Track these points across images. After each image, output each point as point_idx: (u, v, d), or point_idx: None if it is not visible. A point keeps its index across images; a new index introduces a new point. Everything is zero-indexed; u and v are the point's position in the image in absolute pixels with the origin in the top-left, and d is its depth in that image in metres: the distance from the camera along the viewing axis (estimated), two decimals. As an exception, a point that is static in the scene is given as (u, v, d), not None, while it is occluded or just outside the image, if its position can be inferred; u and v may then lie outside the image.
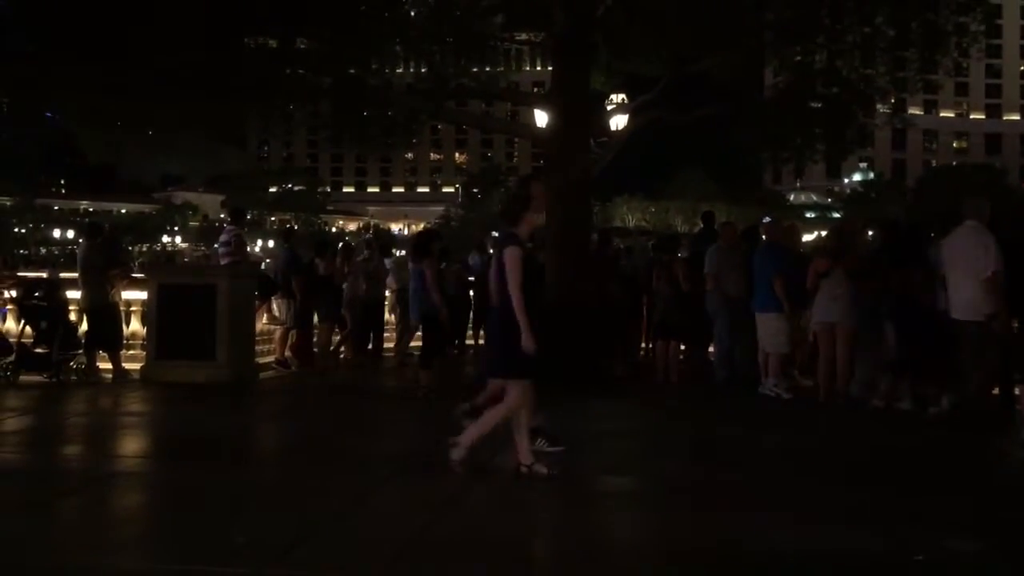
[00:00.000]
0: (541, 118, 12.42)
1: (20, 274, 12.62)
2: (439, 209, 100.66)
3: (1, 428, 7.89)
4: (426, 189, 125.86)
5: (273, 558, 4.30)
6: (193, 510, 5.31)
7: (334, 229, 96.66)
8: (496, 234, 6.20)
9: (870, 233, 14.12)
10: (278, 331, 12.70)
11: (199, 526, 4.94)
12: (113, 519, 5.35)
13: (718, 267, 10.47)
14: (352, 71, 12.93)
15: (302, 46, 13.88)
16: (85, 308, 10.98)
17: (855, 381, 9.53)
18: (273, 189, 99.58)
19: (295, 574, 4.17)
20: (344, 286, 13.27)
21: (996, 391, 8.60)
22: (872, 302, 9.14)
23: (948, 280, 8.04)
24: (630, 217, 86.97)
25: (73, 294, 11.19)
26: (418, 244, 10.32)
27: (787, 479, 6.25)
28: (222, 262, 11.97)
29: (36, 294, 10.50)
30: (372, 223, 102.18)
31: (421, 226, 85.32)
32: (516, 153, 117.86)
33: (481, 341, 13.97)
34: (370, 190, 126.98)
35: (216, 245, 16.77)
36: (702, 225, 13.65)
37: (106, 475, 6.25)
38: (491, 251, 5.73)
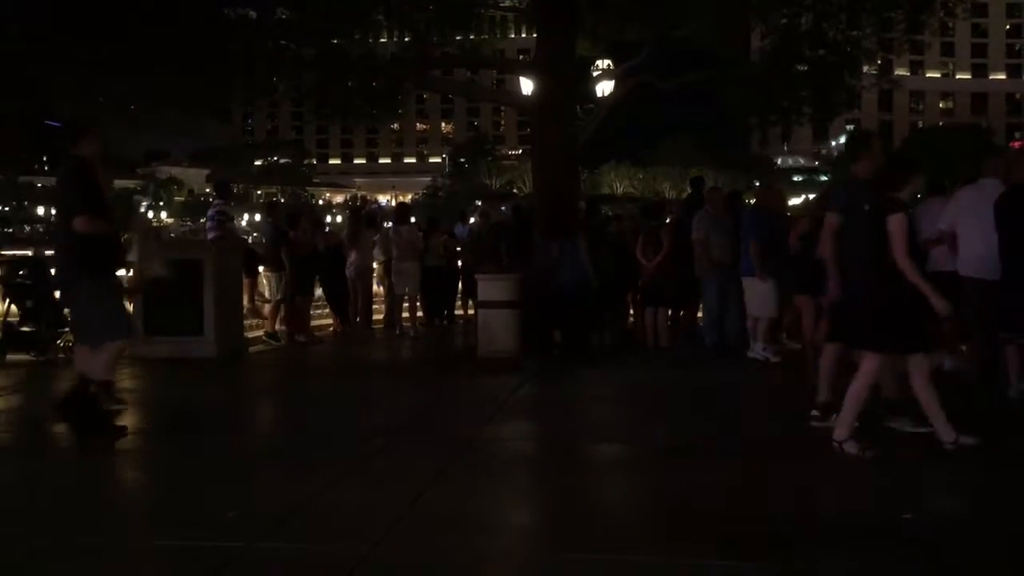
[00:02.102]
0: (527, 86, 12.33)
1: (5, 252, 12.48)
2: (426, 179, 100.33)
3: (-10, 408, 7.87)
4: (413, 160, 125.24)
5: (264, 532, 4.31)
6: (184, 485, 5.32)
7: (321, 201, 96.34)
8: (842, 195, 5.85)
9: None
10: (267, 306, 12.67)
11: (190, 501, 4.95)
12: (104, 496, 5.35)
13: (706, 233, 10.48)
14: (335, 41, 12.81)
15: (283, 17, 13.74)
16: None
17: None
18: (259, 162, 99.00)
19: (286, 547, 4.18)
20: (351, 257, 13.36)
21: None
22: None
23: (960, 236, 7.76)
24: (618, 184, 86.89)
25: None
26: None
27: (772, 441, 6.29)
28: (209, 236, 11.90)
29: (21, 272, 10.43)
30: (359, 195, 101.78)
31: (408, 197, 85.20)
32: (503, 122, 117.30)
33: (471, 311, 13.98)
34: (356, 162, 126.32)
35: (203, 219, 16.69)
36: (690, 190, 13.64)
37: (97, 451, 6.24)
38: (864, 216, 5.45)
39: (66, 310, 10.85)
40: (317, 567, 3.94)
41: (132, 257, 6.85)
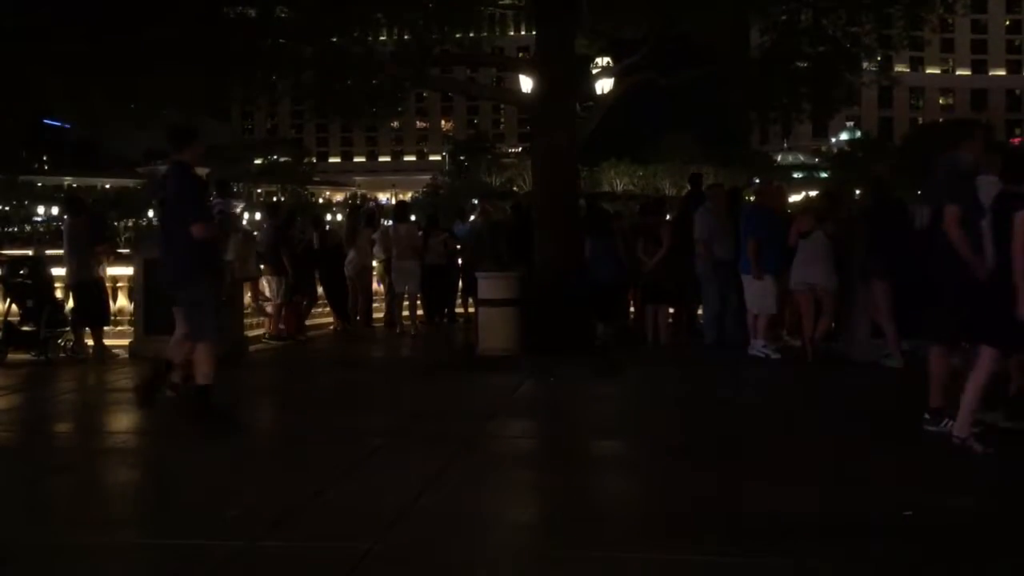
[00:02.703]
0: (526, 83, 12.32)
1: (5, 252, 12.49)
2: (426, 177, 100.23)
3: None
4: (413, 158, 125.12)
5: (265, 530, 4.31)
6: (186, 484, 5.32)
7: (321, 200, 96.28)
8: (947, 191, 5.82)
9: (857, 192, 14.14)
10: (269, 306, 12.66)
11: (192, 500, 4.95)
12: (106, 495, 5.36)
13: (708, 230, 10.46)
14: (334, 40, 12.79)
15: (282, 15, 13.71)
16: (71, 284, 10.91)
17: (842, 340, 9.62)
18: (258, 161, 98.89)
19: (287, 546, 4.18)
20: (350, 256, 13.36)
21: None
22: (856, 261, 9.17)
23: None
24: (617, 182, 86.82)
25: (59, 271, 11.11)
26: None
27: (771, 437, 6.30)
28: (209, 236, 11.87)
29: (21, 272, 10.43)
30: (359, 193, 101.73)
31: (408, 195, 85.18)
32: (503, 119, 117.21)
33: (471, 309, 13.98)
34: (356, 160, 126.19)
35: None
36: (689, 187, 13.63)
37: (98, 451, 6.25)
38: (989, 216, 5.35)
39: (67, 308, 10.94)
40: (318, 565, 3.94)
41: (229, 257, 7.33)
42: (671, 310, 11.59)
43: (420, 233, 14.00)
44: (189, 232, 6.39)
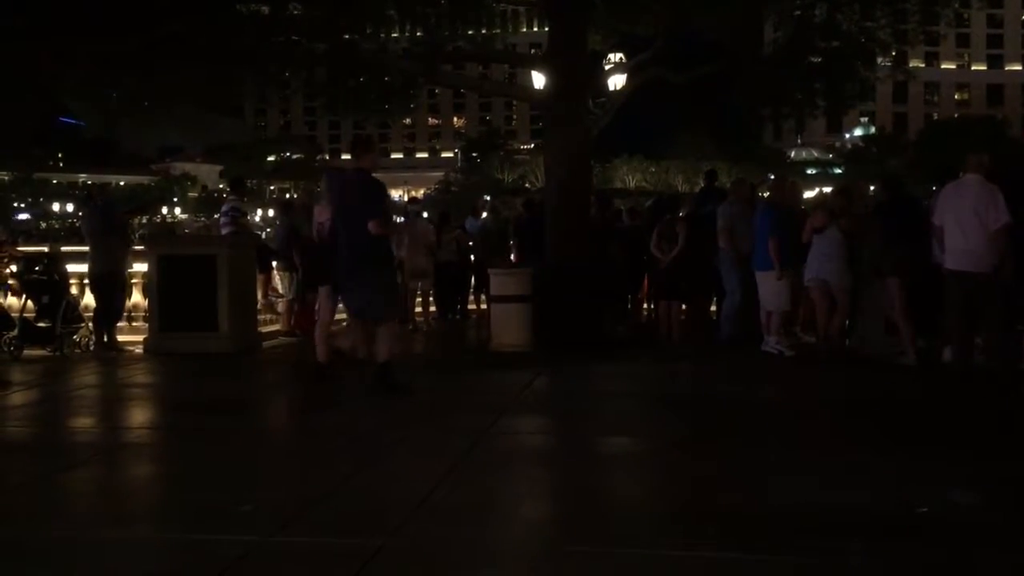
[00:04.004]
0: (539, 80, 12.32)
1: (21, 248, 12.56)
2: (439, 174, 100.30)
3: (8, 402, 7.93)
4: (425, 155, 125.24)
5: (278, 526, 4.33)
6: (200, 480, 5.35)
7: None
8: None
9: (872, 188, 14.06)
10: (282, 303, 12.71)
11: (206, 496, 4.97)
12: (120, 491, 5.39)
13: (732, 223, 10.39)
14: (347, 37, 12.81)
15: (295, 13, 13.74)
16: (89, 276, 10.98)
17: (856, 336, 9.58)
18: (271, 158, 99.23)
19: (303, 540, 4.19)
20: None
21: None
22: (870, 258, 9.14)
23: (947, 232, 8.01)
24: (630, 178, 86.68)
25: (74, 268, 11.19)
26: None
27: (786, 435, 6.28)
28: (223, 232, 11.94)
29: (37, 268, 10.50)
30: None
31: (420, 192, 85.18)
32: (515, 116, 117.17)
33: (483, 305, 13.99)
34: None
35: (217, 215, 16.74)
36: (704, 183, 13.59)
37: (114, 447, 6.29)
38: None
39: (83, 304, 11.04)
40: (333, 559, 3.95)
41: (400, 253, 8.27)
42: (684, 306, 11.55)
43: (432, 229, 14.01)
44: (369, 228, 7.28)
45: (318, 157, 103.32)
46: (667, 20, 12.69)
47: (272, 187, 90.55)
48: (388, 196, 8.28)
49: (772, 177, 11.64)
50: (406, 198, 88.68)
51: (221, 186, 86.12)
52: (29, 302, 10.56)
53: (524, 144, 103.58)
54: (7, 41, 12.04)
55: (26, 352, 10.25)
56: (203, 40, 11.51)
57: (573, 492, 5.06)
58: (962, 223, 7.80)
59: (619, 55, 14.85)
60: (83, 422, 7.48)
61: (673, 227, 11.12)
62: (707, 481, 5.11)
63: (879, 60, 14.44)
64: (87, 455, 6.06)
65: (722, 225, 10.40)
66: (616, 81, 13.26)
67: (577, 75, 11.66)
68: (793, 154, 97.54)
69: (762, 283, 9.79)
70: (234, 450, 6.07)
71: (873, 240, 9.11)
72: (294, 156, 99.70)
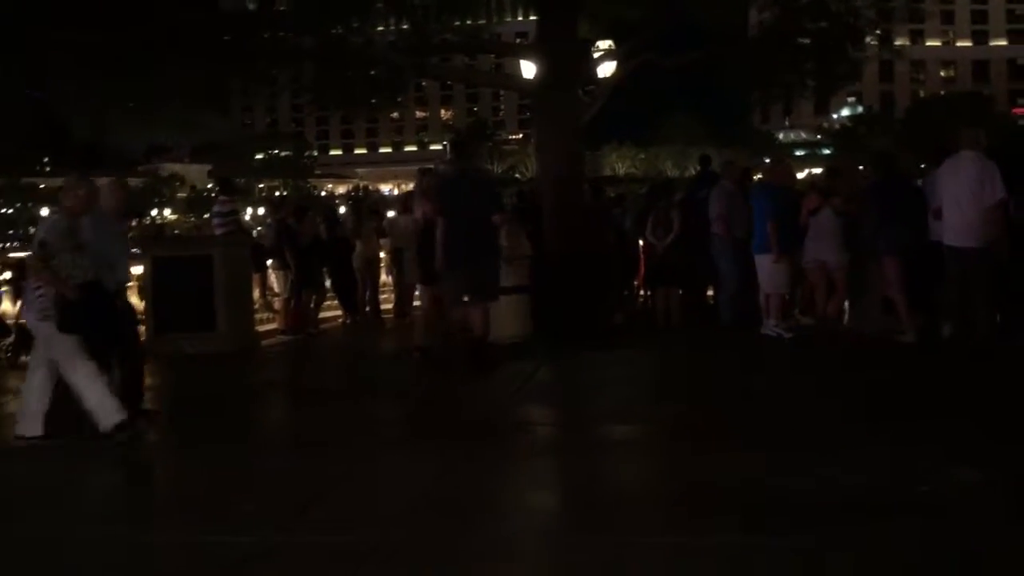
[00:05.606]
0: (527, 69, 12.26)
1: (12, 256, 12.52)
2: (428, 167, 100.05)
3: (4, 410, 7.89)
4: (414, 148, 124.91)
5: (281, 525, 4.32)
6: (201, 480, 5.34)
7: (323, 193, 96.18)
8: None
9: (860, 167, 14.07)
10: (278, 301, 12.69)
11: (207, 496, 4.96)
12: (118, 492, 5.39)
13: (726, 207, 10.38)
14: (334, 31, 12.72)
15: (281, 8, 13.67)
16: None
17: (854, 316, 9.61)
18: (260, 156, 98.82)
19: (307, 539, 4.19)
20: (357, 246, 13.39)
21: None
22: (866, 237, 9.16)
23: (944, 208, 8.04)
24: (619, 165, 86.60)
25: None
26: None
27: (788, 417, 6.29)
28: (216, 232, 11.90)
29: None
30: (361, 185, 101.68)
31: (411, 185, 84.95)
32: (502, 106, 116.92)
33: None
34: (357, 152, 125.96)
35: (208, 215, 16.72)
36: (699, 168, 13.58)
37: (114, 447, 6.26)
38: None
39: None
40: (333, 556, 3.95)
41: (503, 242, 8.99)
42: (681, 292, 11.55)
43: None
44: (493, 220, 8.40)
45: (306, 154, 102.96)
46: (654, 6, 12.64)
47: (261, 185, 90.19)
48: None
49: (768, 161, 11.64)
50: (396, 192, 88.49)
51: (210, 186, 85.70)
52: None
53: (512, 134, 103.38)
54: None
55: (23, 359, 10.18)
56: (189, 36, 11.42)
57: (580, 480, 5.07)
58: (960, 199, 7.86)
59: (608, 42, 14.79)
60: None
61: (668, 213, 11.12)
62: (716, 465, 5.10)
63: (867, 40, 14.40)
64: (82, 458, 6.04)
65: (716, 210, 10.40)
66: (605, 68, 13.22)
67: (568, 63, 11.61)
68: (781, 136, 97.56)
69: (761, 266, 9.79)
70: (234, 451, 6.05)
71: (868, 219, 9.12)
72: (282, 153, 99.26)
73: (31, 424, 6.21)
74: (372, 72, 13.42)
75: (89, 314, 5.94)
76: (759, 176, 12.62)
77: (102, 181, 6.81)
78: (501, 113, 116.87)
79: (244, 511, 4.60)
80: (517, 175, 75.42)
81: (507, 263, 9.15)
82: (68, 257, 5.97)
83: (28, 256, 6.09)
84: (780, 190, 9.92)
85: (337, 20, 12.64)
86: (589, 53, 14.18)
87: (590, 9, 13.28)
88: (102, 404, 5.99)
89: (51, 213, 6.11)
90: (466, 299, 8.56)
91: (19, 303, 10.56)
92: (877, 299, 9.30)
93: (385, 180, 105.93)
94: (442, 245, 8.32)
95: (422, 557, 3.91)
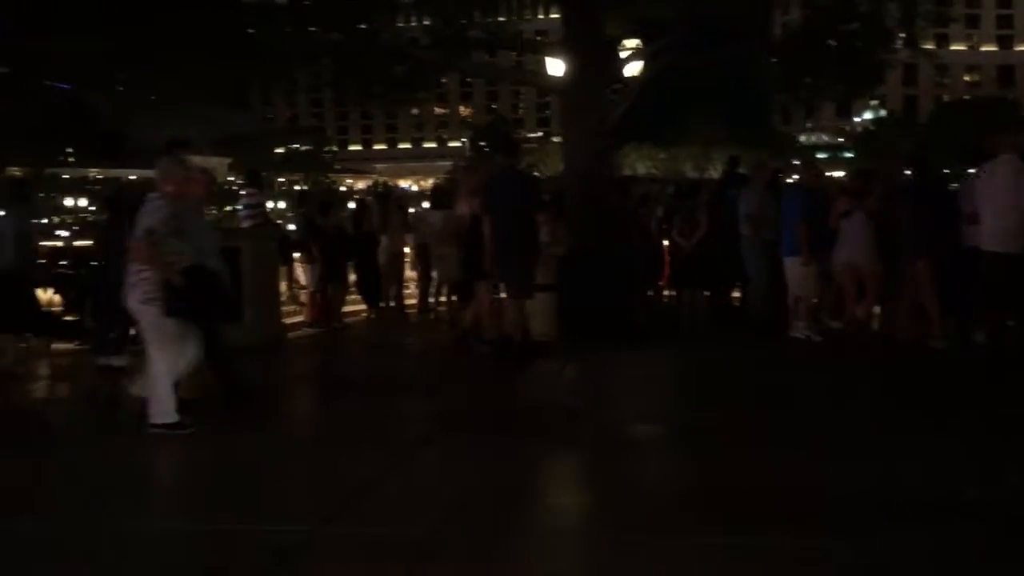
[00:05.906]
0: (552, 66, 12.25)
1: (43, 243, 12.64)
2: (447, 164, 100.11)
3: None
4: (433, 144, 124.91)
5: (323, 519, 4.35)
6: (239, 471, 5.37)
7: (343, 188, 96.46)
8: None
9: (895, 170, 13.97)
10: (304, 294, 12.75)
11: (245, 487, 5.00)
12: (161, 481, 5.43)
13: (756, 208, 10.33)
14: (361, 26, 12.76)
15: (306, 2, 13.71)
16: None
17: (885, 321, 9.55)
18: (280, 150, 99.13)
19: (347, 532, 4.21)
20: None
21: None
22: (899, 241, 9.10)
23: (983, 213, 7.96)
24: (640, 165, 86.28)
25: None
26: None
27: (820, 421, 6.27)
28: (243, 224, 11.97)
29: (63, 263, 10.56)
30: (381, 180, 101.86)
31: (429, 181, 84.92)
32: (522, 104, 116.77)
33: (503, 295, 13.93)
34: (376, 147, 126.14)
35: (235, 207, 16.80)
36: (727, 168, 13.54)
37: (152, 437, 6.30)
38: None
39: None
40: (375, 550, 3.97)
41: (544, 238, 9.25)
42: (707, 293, 11.52)
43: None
44: (534, 217, 8.76)
45: (326, 148, 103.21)
46: (680, 6, 12.61)
47: (281, 179, 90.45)
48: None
49: (798, 163, 11.54)
50: (415, 188, 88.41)
51: (231, 179, 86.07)
52: (56, 296, 10.61)
53: (532, 132, 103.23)
54: (19, 38, 12.05)
55: (54, 346, 10.29)
56: (211, 31, 11.48)
57: (617, 480, 5.07)
58: (997, 203, 7.74)
59: (635, 41, 14.76)
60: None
61: (695, 213, 11.08)
62: (740, 465, 5.09)
63: (896, 42, 14.32)
64: (117, 445, 6.09)
65: (746, 211, 10.34)
66: (632, 67, 13.19)
67: (594, 62, 11.60)
68: (803, 138, 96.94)
69: (790, 268, 9.75)
70: (271, 445, 6.08)
71: (901, 222, 9.06)
72: (303, 148, 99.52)
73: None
74: (398, 67, 13.46)
75: (195, 298, 5.97)
76: (792, 179, 12.55)
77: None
78: (521, 111, 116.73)
79: (286, 502, 4.64)
80: (537, 173, 75.19)
81: (545, 260, 9.32)
82: (173, 242, 5.99)
83: (130, 240, 6.09)
84: (813, 192, 9.87)
85: (365, 15, 12.69)
86: (616, 52, 14.17)
87: (611, 6, 13.26)
88: (164, 400, 6.03)
89: (153, 198, 6.11)
90: (503, 295, 8.81)
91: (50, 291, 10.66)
92: (908, 304, 9.24)
93: (404, 176, 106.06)
94: (491, 242, 8.55)
95: (459, 552, 3.92)
